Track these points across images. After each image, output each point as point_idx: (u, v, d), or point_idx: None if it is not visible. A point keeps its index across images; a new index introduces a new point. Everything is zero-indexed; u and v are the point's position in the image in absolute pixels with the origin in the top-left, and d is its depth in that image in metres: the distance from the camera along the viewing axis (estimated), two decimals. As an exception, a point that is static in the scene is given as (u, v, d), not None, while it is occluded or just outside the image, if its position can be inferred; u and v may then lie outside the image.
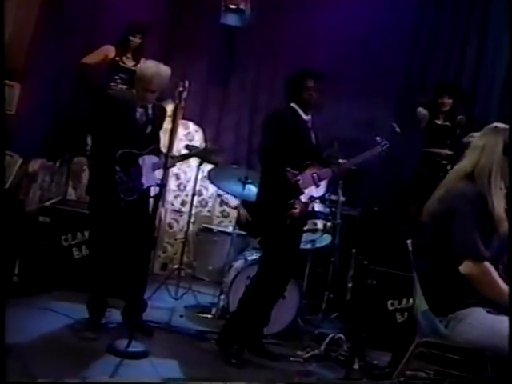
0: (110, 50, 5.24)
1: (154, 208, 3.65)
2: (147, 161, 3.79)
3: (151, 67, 3.69)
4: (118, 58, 5.23)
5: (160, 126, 3.96)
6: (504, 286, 2.59)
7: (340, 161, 4.02)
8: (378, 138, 4.20)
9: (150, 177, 3.79)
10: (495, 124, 2.82)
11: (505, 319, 2.54)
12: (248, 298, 3.79)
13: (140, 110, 3.77)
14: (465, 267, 2.59)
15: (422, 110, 5.47)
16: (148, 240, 3.83)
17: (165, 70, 3.71)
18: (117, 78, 5.21)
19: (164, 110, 4.02)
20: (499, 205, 2.62)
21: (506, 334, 2.44)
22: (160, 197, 3.70)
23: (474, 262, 2.59)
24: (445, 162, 5.32)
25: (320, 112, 4.06)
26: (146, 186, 3.79)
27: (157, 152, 3.86)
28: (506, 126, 2.77)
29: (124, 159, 3.72)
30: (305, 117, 3.91)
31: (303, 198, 3.78)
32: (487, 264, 2.59)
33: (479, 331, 2.58)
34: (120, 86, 5.18)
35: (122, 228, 3.72)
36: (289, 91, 3.93)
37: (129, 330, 3.57)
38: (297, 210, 3.69)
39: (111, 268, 3.81)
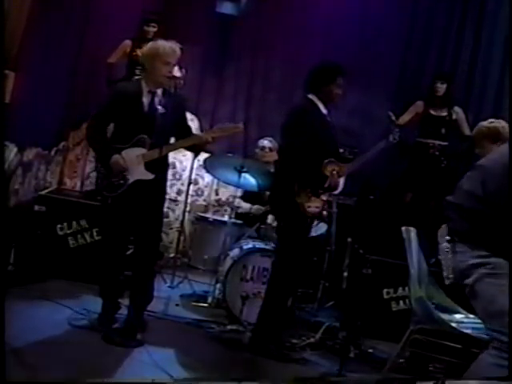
0: (127, 45, 5.41)
1: (152, 202, 3.57)
2: (130, 154, 3.49)
3: (167, 42, 3.53)
4: (134, 52, 5.30)
5: (176, 116, 3.62)
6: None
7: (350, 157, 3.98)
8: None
9: (137, 170, 3.50)
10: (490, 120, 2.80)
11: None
12: (270, 294, 3.81)
13: (147, 98, 3.53)
14: None
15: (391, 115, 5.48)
16: (148, 233, 3.68)
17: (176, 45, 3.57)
18: (136, 71, 5.27)
19: (181, 99, 3.76)
20: None
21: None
22: (156, 191, 3.61)
23: None
24: (437, 153, 5.36)
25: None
26: (131, 181, 3.51)
27: (143, 143, 3.49)
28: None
29: (105, 154, 3.56)
30: (324, 110, 3.83)
31: (324, 197, 3.80)
32: None
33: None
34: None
35: (116, 222, 3.65)
36: (314, 83, 3.81)
37: (130, 320, 3.59)
38: (318, 209, 3.73)
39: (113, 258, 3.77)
